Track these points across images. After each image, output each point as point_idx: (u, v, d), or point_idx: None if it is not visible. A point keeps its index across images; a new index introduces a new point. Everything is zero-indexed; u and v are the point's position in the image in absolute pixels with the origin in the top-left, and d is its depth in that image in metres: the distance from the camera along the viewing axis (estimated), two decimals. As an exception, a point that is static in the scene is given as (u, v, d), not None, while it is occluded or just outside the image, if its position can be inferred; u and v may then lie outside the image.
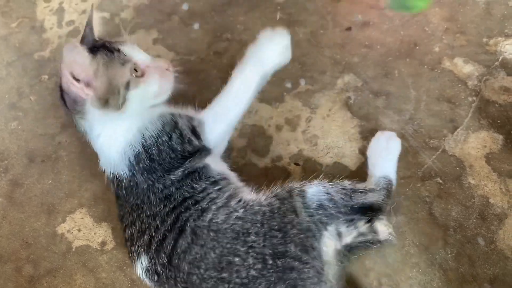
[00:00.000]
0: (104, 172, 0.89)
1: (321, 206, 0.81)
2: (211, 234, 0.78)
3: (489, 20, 1.17)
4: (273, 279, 0.76)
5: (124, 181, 0.84)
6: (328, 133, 1.05)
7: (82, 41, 0.87)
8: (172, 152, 0.84)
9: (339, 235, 0.83)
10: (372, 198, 0.86)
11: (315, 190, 0.83)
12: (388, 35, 1.19)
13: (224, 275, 0.76)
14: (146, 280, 0.83)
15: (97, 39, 0.87)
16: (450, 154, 1.00)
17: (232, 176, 0.91)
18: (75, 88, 0.79)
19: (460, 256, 0.89)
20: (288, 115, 1.08)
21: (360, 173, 0.99)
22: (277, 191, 0.84)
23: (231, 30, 1.24)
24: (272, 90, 1.07)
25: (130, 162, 0.83)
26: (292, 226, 0.79)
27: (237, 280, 0.76)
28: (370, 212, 0.85)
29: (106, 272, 0.93)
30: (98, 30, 1.07)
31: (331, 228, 0.82)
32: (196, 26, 1.26)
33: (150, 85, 0.83)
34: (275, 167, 1.02)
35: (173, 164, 0.84)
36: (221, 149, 0.96)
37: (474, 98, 1.07)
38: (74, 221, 0.99)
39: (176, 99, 1.10)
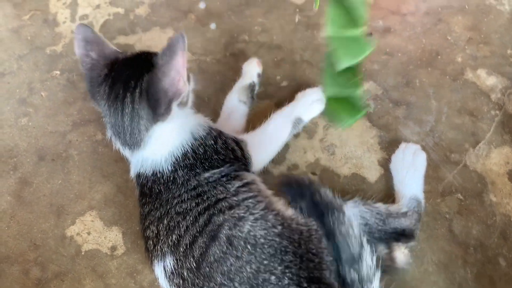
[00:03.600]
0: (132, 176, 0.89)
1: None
2: (249, 247, 0.75)
3: (514, 31, 1.14)
4: None
5: (164, 177, 0.84)
6: (346, 142, 1.03)
7: (92, 75, 0.85)
8: (215, 154, 0.86)
9: None
10: (404, 223, 0.84)
11: (350, 213, 0.80)
12: (409, 42, 1.16)
13: None
14: (166, 284, 0.80)
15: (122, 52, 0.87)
16: (471, 169, 0.98)
17: (262, 184, 0.90)
18: (181, 83, 0.79)
19: (481, 276, 0.86)
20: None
21: (379, 185, 0.97)
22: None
23: (249, 32, 1.21)
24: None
25: (176, 159, 0.84)
26: (328, 253, 0.76)
27: None
28: (402, 237, 0.83)
29: (115, 278, 0.91)
30: (111, 25, 1.05)
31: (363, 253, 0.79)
32: (212, 26, 1.23)
33: (191, 81, 0.86)
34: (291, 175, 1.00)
35: (214, 164, 0.85)
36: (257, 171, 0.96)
37: (497, 112, 1.04)
38: (83, 224, 0.97)
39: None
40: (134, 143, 0.82)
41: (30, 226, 0.97)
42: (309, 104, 1.01)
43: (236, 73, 1.10)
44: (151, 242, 0.81)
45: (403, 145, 0.97)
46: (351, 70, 0.71)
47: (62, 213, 0.98)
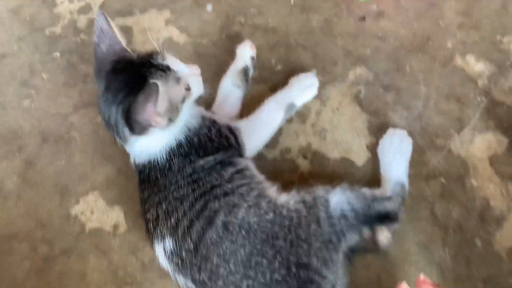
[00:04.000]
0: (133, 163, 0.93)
1: (343, 216, 0.85)
2: (243, 232, 0.81)
3: (504, 17, 1.17)
4: (293, 287, 0.80)
5: (160, 165, 0.88)
6: (337, 127, 1.07)
7: (101, 65, 0.87)
8: (209, 141, 0.90)
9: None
10: (388, 206, 0.89)
11: (338, 199, 0.85)
12: (402, 27, 1.19)
13: (251, 273, 0.80)
14: (166, 263, 0.87)
15: (130, 51, 0.87)
16: (455, 154, 1.02)
17: (255, 169, 0.95)
18: (153, 121, 0.81)
19: (458, 256, 0.93)
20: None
21: (366, 169, 1.02)
22: (305, 197, 0.86)
23: (245, 14, 1.23)
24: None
25: (171, 149, 0.88)
26: (316, 239, 0.82)
27: (261, 279, 0.80)
28: (386, 219, 0.88)
29: (118, 255, 0.97)
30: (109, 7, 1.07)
31: (349, 237, 0.85)
32: (209, 7, 1.25)
33: (195, 93, 0.89)
34: (283, 159, 1.05)
35: (208, 151, 0.89)
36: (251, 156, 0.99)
37: (483, 98, 1.08)
38: (87, 204, 1.02)
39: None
40: (123, 140, 0.86)
41: (36, 205, 1.03)
42: (302, 90, 1.04)
43: (232, 56, 1.13)
44: (151, 225, 0.87)
45: (390, 131, 1.01)
46: None
47: (66, 193, 1.04)
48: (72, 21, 1.26)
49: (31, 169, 1.06)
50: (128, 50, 0.87)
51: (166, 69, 0.83)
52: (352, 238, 0.87)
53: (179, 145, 0.88)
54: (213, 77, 1.14)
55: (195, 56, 1.19)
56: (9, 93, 1.16)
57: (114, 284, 0.94)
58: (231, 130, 0.94)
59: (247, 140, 0.95)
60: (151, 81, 0.78)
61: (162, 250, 0.86)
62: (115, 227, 1.00)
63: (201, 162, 0.88)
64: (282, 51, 1.18)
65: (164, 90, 0.81)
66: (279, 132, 1.07)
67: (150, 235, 0.88)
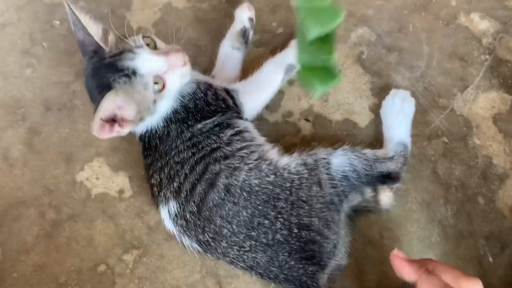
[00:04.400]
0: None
1: (345, 177, 0.85)
2: (244, 194, 0.82)
3: (510, -27, 1.14)
4: (295, 247, 0.82)
5: (158, 132, 0.89)
6: (339, 89, 1.07)
7: (83, 50, 0.85)
8: (206, 105, 0.90)
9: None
10: (391, 166, 0.89)
11: (339, 161, 0.86)
12: (405, -14, 1.16)
13: (253, 233, 0.82)
14: (172, 225, 0.89)
15: (104, 47, 0.83)
16: (458, 113, 1.02)
17: (255, 131, 0.95)
18: (115, 133, 0.81)
19: (460, 213, 0.93)
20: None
21: (369, 130, 1.02)
22: (306, 160, 0.86)
23: (244, -23, 1.21)
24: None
25: (167, 116, 0.88)
26: (317, 200, 0.83)
27: (264, 240, 0.82)
28: (388, 179, 0.89)
29: (124, 219, 0.99)
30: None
31: (350, 197, 0.86)
32: (208, -29, 1.23)
33: (174, 88, 0.86)
34: (285, 122, 1.05)
35: (205, 115, 0.89)
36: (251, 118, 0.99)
37: (487, 56, 1.07)
38: (92, 170, 1.04)
39: (188, 50, 1.11)
40: None
41: (42, 172, 1.04)
42: None
43: (232, 20, 1.11)
44: (155, 189, 0.89)
45: (393, 91, 1.00)
46: (324, 39, 0.67)
47: (71, 160, 1.05)
48: (70, -11, 1.25)
49: (36, 137, 1.07)
50: (100, 43, 0.83)
51: (131, 74, 0.80)
52: (354, 199, 0.88)
53: (175, 111, 0.88)
54: (213, 41, 1.13)
55: (195, 21, 1.18)
56: (10, 63, 1.16)
57: (122, 247, 0.96)
58: (229, 92, 0.93)
59: (245, 101, 0.94)
60: (107, 93, 0.77)
61: (167, 213, 0.88)
62: (121, 192, 1.01)
63: (199, 125, 0.88)
64: (283, 13, 1.16)
65: (127, 97, 0.80)
66: (281, 95, 1.07)
67: (155, 199, 0.90)
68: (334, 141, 0.99)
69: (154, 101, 0.84)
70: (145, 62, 0.81)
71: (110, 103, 0.78)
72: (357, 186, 0.86)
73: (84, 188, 1.02)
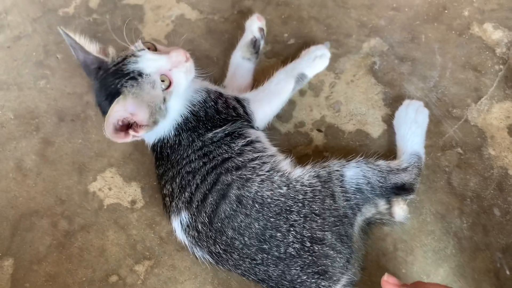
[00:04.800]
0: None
1: (358, 189, 0.84)
2: (256, 205, 0.82)
3: (523, -17, 1.13)
4: (308, 261, 0.80)
5: (170, 141, 0.89)
6: (351, 99, 1.06)
7: (87, 71, 0.87)
8: (216, 113, 0.90)
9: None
10: (405, 178, 0.88)
11: (353, 173, 0.85)
12: (416, -4, 1.16)
13: (265, 246, 0.81)
14: (183, 236, 0.88)
15: (102, 57, 0.85)
16: (472, 124, 1.01)
17: (267, 142, 0.94)
18: (130, 137, 0.82)
19: (475, 225, 0.92)
20: (312, 80, 1.08)
21: (382, 141, 1.01)
22: (319, 172, 0.85)
23: (256, -12, 1.22)
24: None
25: (178, 124, 0.89)
26: (330, 213, 0.82)
27: (276, 253, 0.80)
28: (402, 191, 0.88)
29: (136, 229, 0.98)
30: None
31: (364, 210, 0.85)
32: (220, -17, 1.24)
33: (181, 85, 0.86)
34: (297, 132, 1.04)
35: (216, 123, 0.89)
36: (262, 127, 0.99)
37: (501, 66, 1.06)
38: (104, 180, 1.04)
39: (200, 61, 1.12)
40: None
41: (55, 183, 1.05)
42: (312, 60, 1.03)
43: (243, 31, 1.12)
44: (167, 199, 0.88)
45: (406, 102, 1.00)
46: None
47: (84, 170, 1.05)
48: (84, 1, 1.27)
49: (49, 148, 1.08)
50: (101, 57, 0.85)
51: (137, 76, 0.81)
52: (368, 211, 0.87)
53: (186, 120, 0.88)
54: (225, 52, 1.14)
55: (207, 33, 1.19)
56: (25, 74, 1.18)
57: (133, 257, 0.96)
58: (239, 101, 0.94)
59: (256, 109, 0.94)
60: (116, 99, 0.78)
61: (179, 223, 0.87)
62: (133, 202, 1.01)
63: (210, 134, 0.88)
64: (295, 24, 1.17)
65: (136, 100, 0.80)
66: (293, 105, 1.06)
67: (167, 209, 0.89)
68: (346, 151, 0.99)
69: (164, 100, 0.84)
70: (149, 61, 0.82)
71: (120, 107, 0.79)
72: (371, 198, 0.85)
73: (96, 198, 1.02)
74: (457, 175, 0.97)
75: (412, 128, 0.96)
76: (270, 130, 1.02)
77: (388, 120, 1.02)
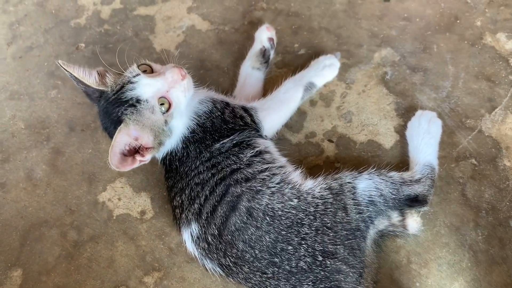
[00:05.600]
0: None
1: (371, 202, 0.83)
2: (267, 218, 0.80)
3: (536, -7, 1.12)
4: (320, 276, 0.78)
5: (178, 154, 0.89)
6: (363, 109, 1.05)
7: (90, 99, 0.88)
8: (224, 123, 0.90)
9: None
10: (418, 189, 0.87)
11: (365, 185, 0.83)
12: (428, 7, 1.16)
13: (276, 259, 0.79)
14: (193, 248, 0.87)
15: (102, 88, 0.85)
16: (486, 134, 0.99)
17: (276, 152, 0.93)
18: (137, 163, 0.82)
19: (491, 238, 0.90)
20: (323, 90, 1.08)
21: (394, 152, 1.00)
22: (331, 184, 0.84)
23: (266, -1, 1.22)
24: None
25: (185, 137, 0.89)
26: (342, 227, 0.80)
27: (287, 267, 0.79)
28: (415, 203, 0.86)
29: (145, 240, 0.97)
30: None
31: (377, 222, 0.84)
32: (230, -6, 1.24)
33: (181, 104, 0.86)
34: (308, 143, 1.03)
35: (223, 133, 0.89)
36: (270, 136, 0.98)
37: (515, 76, 1.04)
38: (114, 190, 1.03)
39: (210, 72, 1.12)
40: None
41: (65, 193, 1.04)
42: (321, 69, 1.03)
43: (254, 42, 1.12)
44: (178, 211, 0.88)
45: (419, 112, 0.98)
46: None
47: (94, 181, 1.05)
48: (95, 12, 1.28)
49: (59, 158, 1.08)
50: (100, 88, 0.85)
51: (135, 103, 0.81)
52: (380, 224, 0.86)
53: (193, 131, 0.88)
54: (235, 63, 1.13)
55: (218, 43, 1.18)
56: (36, 84, 1.18)
57: (142, 269, 0.95)
58: (247, 110, 0.93)
59: (264, 118, 0.94)
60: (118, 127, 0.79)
61: (189, 235, 0.86)
62: (142, 213, 1.00)
63: (217, 145, 0.87)
64: (305, 35, 1.17)
65: (138, 126, 0.81)
66: (304, 116, 1.06)
67: (177, 221, 0.89)
68: (358, 162, 0.98)
69: (166, 122, 0.84)
70: (145, 87, 0.82)
71: (124, 135, 0.79)
72: (384, 210, 0.84)
73: (106, 208, 1.02)
74: (471, 186, 0.95)
75: (425, 139, 0.95)
76: (280, 140, 1.01)
77: (401, 130, 1.01)
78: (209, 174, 0.85)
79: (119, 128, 0.79)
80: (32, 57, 1.23)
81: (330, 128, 1.04)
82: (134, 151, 0.82)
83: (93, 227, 1.00)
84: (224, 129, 0.89)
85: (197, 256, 0.87)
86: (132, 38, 1.22)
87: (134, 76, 0.83)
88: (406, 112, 1.03)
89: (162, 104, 0.83)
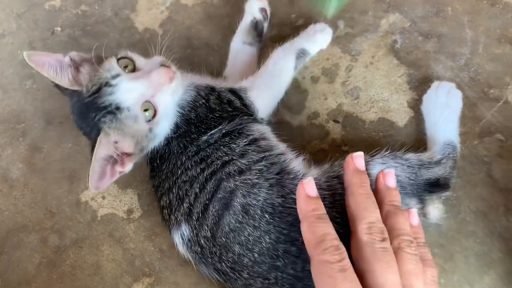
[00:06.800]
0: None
1: None
2: (266, 216, 0.69)
3: None
4: None
5: (160, 151, 0.78)
6: (371, 84, 0.93)
7: (61, 92, 0.77)
8: (209, 112, 0.78)
9: None
10: (438, 172, 0.76)
11: (378, 171, 0.72)
12: (440, -36, 1.03)
13: (278, 263, 0.68)
14: (187, 252, 0.77)
15: (79, 90, 0.73)
16: (513, 105, 0.87)
17: (274, 138, 0.82)
18: (117, 175, 0.73)
19: (525, 224, 0.79)
20: (325, 64, 0.96)
21: (409, 130, 0.88)
22: (339, 172, 0.72)
23: (258, -33, 1.09)
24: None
25: (167, 134, 0.78)
26: None
27: (291, 271, 0.68)
28: (436, 188, 0.75)
29: (134, 243, 0.88)
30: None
31: None
32: (218, -37, 1.12)
33: (167, 108, 0.75)
34: (311, 125, 0.92)
35: (210, 124, 0.77)
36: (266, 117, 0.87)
37: (544, 37, 0.91)
38: (97, 188, 0.93)
39: (199, 51, 1.00)
40: None
41: (44, 193, 0.94)
42: (312, 34, 0.90)
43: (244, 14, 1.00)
44: (166, 212, 0.78)
45: (435, 84, 0.87)
46: None
47: (75, 178, 0.95)
48: (71, -8, 1.16)
49: (37, 155, 0.98)
50: (73, 88, 0.74)
51: (115, 111, 0.70)
52: None
53: (176, 126, 0.77)
54: (225, 39, 1.01)
55: (206, 19, 1.06)
56: (9, 75, 1.07)
57: (131, 275, 0.85)
58: (235, 92, 0.81)
59: (256, 98, 0.82)
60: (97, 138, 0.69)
61: (179, 238, 0.76)
62: (129, 212, 0.90)
63: (204, 137, 0.76)
64: (303, 4, 1.04)
65: (118, 135, 0.70)
66: (305, 94, 0.94)
67: (166, 223, 0.78)
68: (368, 144, 0.87)
69: (150, 130, 0.74)
70: (126, 93, 0.70)
71: (103, 147, 0.69)
72: (401, 199, 0.73)
73: (89, 209, 0.92)
74: (498, 165, 0.83)
75: (444, 114, 0.83)
76: (279, 123, 0.90)
77: (415, 105, 0.89)
78: (198, 170, 0.74)
79: (98, 140, 0.68)
80: (5, 45, 1.12)
81: (335, 107, 0.93)
82: (113, 162, 0.72)
83: (76, 230, 0.90)
84: (210, 118, 0.77)
85: (192, 261, 0.77)
86: (111, 18, 1.10)
87: (113, 77, 0.70)
88: (420, 84, 0.91)
89: (146, 110, 0.72)
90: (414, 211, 0.67)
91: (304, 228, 0.58)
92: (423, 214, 0.76)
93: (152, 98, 0.72)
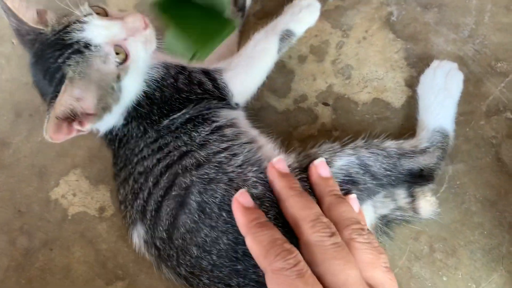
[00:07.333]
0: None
1: (350, 181, 0.63)
2: (224, 214, 0.61)
3: None
4: None
5: (118, 133, 0.71)
6: (364, 61, 0.85)
7: (21, 40, 0.69)
8: (176, 92, 0.71)
9: (374, 206, 0.66)
10: (423, 162, 0.67)
11: (344, 162, 0.64)
12: None
13: (239, 267, 0.60)
14: (146, 254, 0.70)
15: (43, 29, 0.65)
16: (524, 80, 0.78)
17: (247, 124, 0.74)
18: (74, 132, 0.65)
19: (538, 213, 0.70)
20: (313, 42, 0.87)
21: (407, 111, 0.80)
22: (302, 161, 0.64)
23: None
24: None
25: (128, 111, 0.70)
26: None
27: (254, 276, 0.60)
28: (418, 179, 0.66)
29: (106, 243, 0.81)
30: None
31: (366, 206, 0.64)
32: None
33: (139, 59, 0.67)
34: (298, 109, 0.84)
35: (174, 105, 0.70)
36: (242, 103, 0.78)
37: (557, 2, 0.81)
38: (68, 185, 0.86)
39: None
40: None
41: (12, 191, 0.88)
42: (298, 12, 0.80)
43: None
44: (123, 207, 0.70)
45: (435, 63, 0.77)
46: None
47: (45, 174, 0.88)
48: (41, -26, 1.08)
49: (5, 150, 0.91)
50: (38, 27, 0.66)
51: (83, 49, 0.62)
52: (384, 206, 0.67)
53: (138, 104, 0.69)
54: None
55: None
56: (-24, 65, 1.00)
57: (104, 278, 0.78)
58: (208, 73, 0.73)
59: (230, 80, 0.73)
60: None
61: (136, 238, 0.69)
62: (101, 210, 0.83)
63: (166, 121, 0.68)
64: (290, -24, 0.95)
65: (84, 81, 0.63)
66: (291, 76, 0.86)
67: (123, 220, 0.71)
68: (361, 128, 0.79)
69: (118, 77, 0.65)
70: (99, 29, 0.63)
71: (67, 95, 0.61)
72: (373, 191, 0.64)
73: (59, 207, 0.85)
74: (508, 148, 0.75)
75: (438, 97, 0.74)
76: (262, 108, 0.82)
77: (414, 83, 0.81)
78: (154, 160, 0.66)
79: (64, 85, 0.60)
80: (-28, 34, 1.05)
81: (324, 88, 0.84)
82: (71, 117, 0.64)
83: (45, 230, 0.84)
84: (175, 99, 0.69)
85: (153, 264, 0.69)
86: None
87: (85, 15, 0.64)
88: (419, 60, 0.82)
89: (117, 54, 0.65)
90: (354, 197, 0.60)
91: (249, 242, 0.51)
92: (413, 209, 0.67)
93: (124, 42, 0.65)
